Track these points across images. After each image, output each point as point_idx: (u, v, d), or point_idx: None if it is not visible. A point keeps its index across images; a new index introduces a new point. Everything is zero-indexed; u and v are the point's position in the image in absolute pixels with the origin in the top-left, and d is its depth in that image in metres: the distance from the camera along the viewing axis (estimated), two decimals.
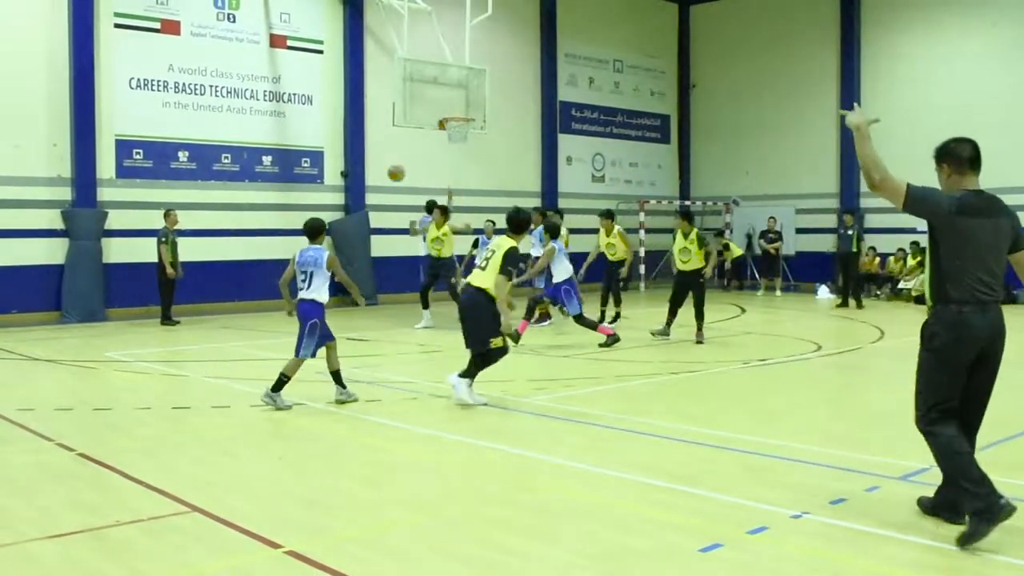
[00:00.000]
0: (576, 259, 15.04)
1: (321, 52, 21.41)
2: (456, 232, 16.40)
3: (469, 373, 9.34)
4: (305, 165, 21.23)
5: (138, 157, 18.81)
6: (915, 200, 5.32)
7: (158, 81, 19.00)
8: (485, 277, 9.35)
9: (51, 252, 17.64)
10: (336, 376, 9.61)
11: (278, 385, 9.25)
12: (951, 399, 5.39)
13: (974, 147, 5.47)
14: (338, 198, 21.75)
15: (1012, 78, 23.18)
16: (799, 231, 26.33)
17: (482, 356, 9.33)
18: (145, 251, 17.57)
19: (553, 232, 14.13)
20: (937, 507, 5.66)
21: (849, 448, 7.59)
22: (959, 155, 5.45)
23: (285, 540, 5.31)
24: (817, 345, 14.13)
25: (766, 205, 26.84)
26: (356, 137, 21.76)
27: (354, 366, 11.99)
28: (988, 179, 20.71)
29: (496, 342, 9.25)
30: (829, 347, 14.17)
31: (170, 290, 17.11)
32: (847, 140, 26.08)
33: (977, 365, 5.40)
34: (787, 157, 27.33)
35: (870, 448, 7.57)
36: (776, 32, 27.57)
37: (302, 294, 9.54)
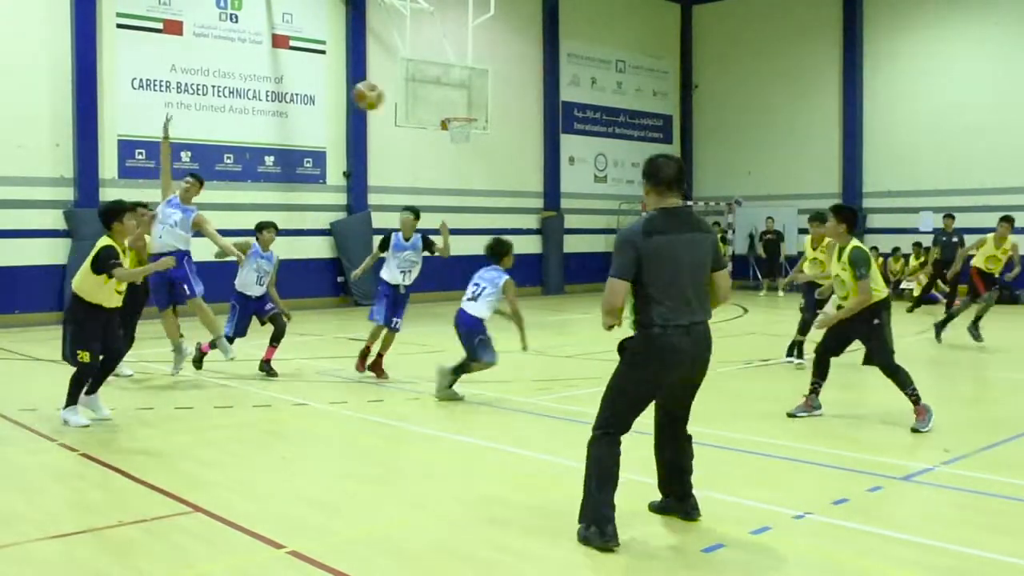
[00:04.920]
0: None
1: (323, 52, 21.41)
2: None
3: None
4: (307, 165, 21.23)
5: (140, 157, 18.83)
6: (616, 270, 5.17)
7: (161, 81, 19.02)
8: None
9: (53, 252, 17.65)
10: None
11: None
12: (630, 418, 5.32)
13: (677, 166, 5.35)
14: (340, 198, 21.75)
15: (1016, 76, 23.16)
16: (802, 231, 26.28)
17: None
18: None
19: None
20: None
21: (852, 448, 7.58)
22: (658, 176, 5.31)
23: (287, 540, 5.32)
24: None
25: (768, 205, 26.83)
26: (358, 137, 21.76)
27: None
28: (990, 178, 20.65)
29: None
30: None
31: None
32: (849, 139, 26.09)
33: (678, 385, 5.40)
34: (789, 157, 27.32)
35: (873, 448, 7.56)
36: (778, 32, 27.55)
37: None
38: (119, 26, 18.43)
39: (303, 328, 16.16)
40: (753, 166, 28.05)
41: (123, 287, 8.60)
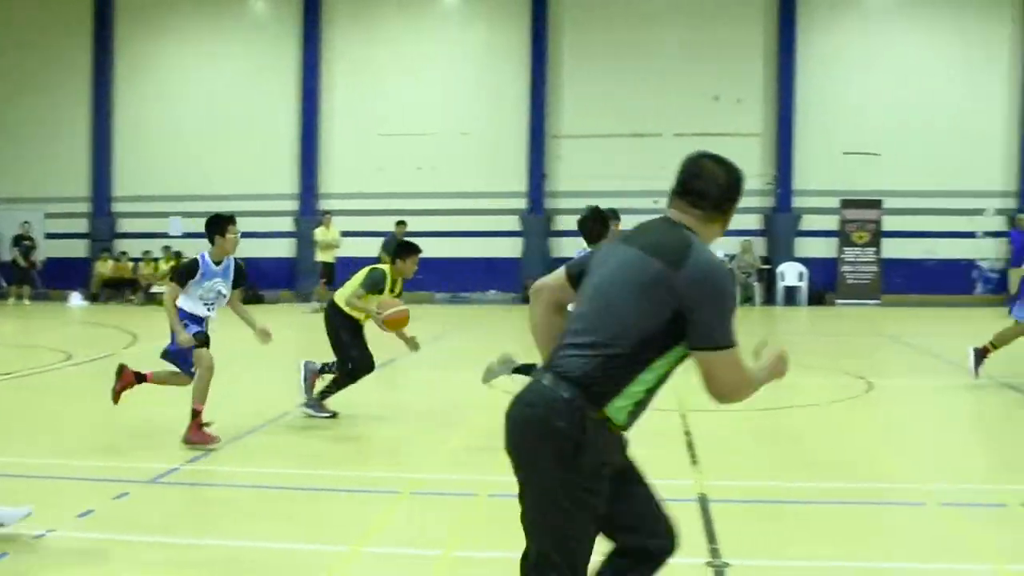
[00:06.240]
0: None
1: None
2: None
3: None
4: None
5: None
6: None
7: None
8: None
9: None
10: None
11: None
12: None
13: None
14: None
15: (261, 89, 24.81)
16: (49, 236, 25.21)
17: None
18: None
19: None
20: None
21: (99, 457, 7.42)
22: None
23: None
24: (68, 354, 13.61)
25: (17, 209, 25.28)
26: None
27: None
28: (235, 185, 21.34)
29: None
30: (80, 355, 13.71)
31: None
32: (99, 144, 25.65)
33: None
34: (36, 159, 25.93)
35: (123, 455, 7.47)
36: (26, 29, 26.04)
37: None
38: None
39: None
40: None
41: None
